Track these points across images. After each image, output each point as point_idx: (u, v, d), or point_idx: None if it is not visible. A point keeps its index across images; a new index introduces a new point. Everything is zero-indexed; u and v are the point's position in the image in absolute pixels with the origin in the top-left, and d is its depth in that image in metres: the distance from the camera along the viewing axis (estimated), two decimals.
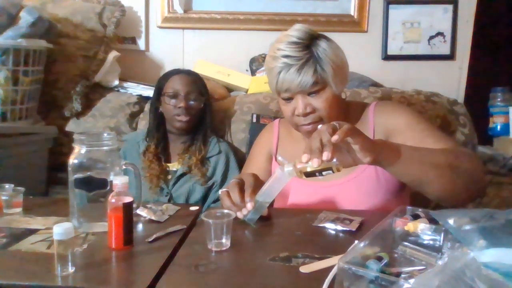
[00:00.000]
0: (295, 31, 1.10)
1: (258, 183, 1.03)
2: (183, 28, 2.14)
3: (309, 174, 0.85)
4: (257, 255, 0.82)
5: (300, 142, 1.24)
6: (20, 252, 0.83)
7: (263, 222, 0.99)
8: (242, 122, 1.74)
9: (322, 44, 1.09)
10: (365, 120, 1.19)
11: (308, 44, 1.09)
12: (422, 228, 0.81)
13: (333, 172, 0.84)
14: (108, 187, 0.94)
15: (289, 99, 1.12)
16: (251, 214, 0.96)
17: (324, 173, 0.84)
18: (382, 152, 0.89)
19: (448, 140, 1.08)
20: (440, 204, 1.07)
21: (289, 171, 0.89)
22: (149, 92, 1.89)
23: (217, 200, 1.52)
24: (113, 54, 1.94)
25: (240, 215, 0.96)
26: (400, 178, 0.98)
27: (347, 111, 1.21)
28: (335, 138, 0.80)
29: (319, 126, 0.86)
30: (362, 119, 1.20)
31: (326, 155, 0.80)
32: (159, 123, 1.61)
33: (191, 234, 0.95)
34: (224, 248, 0.84)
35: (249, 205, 0.94)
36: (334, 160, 0.83)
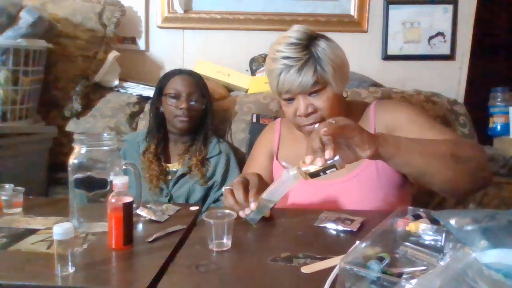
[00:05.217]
0: (294, 32, 1.10)
1: (262, 183, 1.02)
2: (183, 28, 2.15)
3: (314, 175, 0.85)
4: (258, 256, 0.82)
5: (302, 142, 1.24)
6: (20, 252, 0.83)
7: (264, 222, 0.99)
8: (242, 122, 1.74)
9: (321, 44, 1.09)
10: (366, 119, 1.19)
11: (307, 44, 1.09)
12: (423, 229, 0.81)
13: (337, 169, 0.84)
14: (108, 187, 0.93)
15: (291, 100, 1.12)
16: (254, 214, 0.95)
17: (328, 171, 0.84)
18: (381, 145, 0.88)
19: (449, 132, 1.08)
20: (446, 196, 1.07)
21: (294, 175, 0.88)
22: (149, 92, 1.89)
23: (217, 200, 1.52)
24: (113, 54, 1.94)
25: (242, 214, 0.96)
26: (402, 171, 0.97)
27: (348, 111, 1.21)
28: (323, 130, 0.80)
29: (316, 125, 0.86)
30: (363, 118, 1.20)
31: (328, 154, 0.80)
32: (159, 123, 1.60)
33: (191, 234, 0.95)
34: (225, 249, 0.84)
35: (253, 205, 0.94)
36: (337, 157, 0.83)
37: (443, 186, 0.98)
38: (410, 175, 0.98)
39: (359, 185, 1.13)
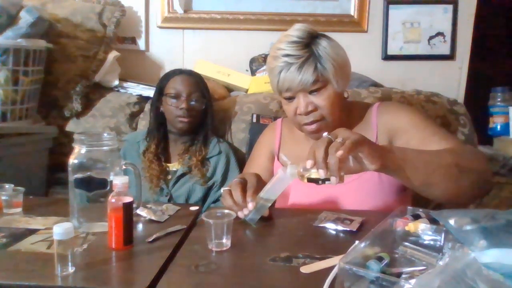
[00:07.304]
0: (295, 31, 1.10)
1: (260, 183, 1.02)
2: (183, 28, 2.15)
3: (312, 180, 0.85)
4: (258, 255, 0.82)
5: (303, 142, 1.24)
6: (20, 252, 0.83)
7: (263, 222, 0.99)
8: (242, 122, 1.74)
9: (322, 42, 1.10)
10: (368, 120, 1.19)
11: (308, 42, 1.09)
12: (422, 228, 0.81)
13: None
14: (108, 187, 0.94)
15: (291, 98, 1.13)
16: (252, 214, 0.95)
17: (327, 182, 0.84)
18: (389, 159, 0.88)
19: (452, 138, 1.08)
20: (445, 204, 1.07)
21: (291, 173, 0.88)
22: (149, 92, 1.89)
23: (217, 200, 1.52)
24: (113, 54, 1.94)
25: (241, 214, 0.96)
26: (407, 184, 0.96)
27: (350, 111, 1.21)
28: (339, 153, 0.79)
29: (324, 134, 0.86)
30: (365, 119, 1.20)
31: (333, 167, 0.80)
32: (159, 123, 1.60)
33: (191, 234, 0.95)
34: (225, 248, 0.84)
35: (251, 205, 0.94)
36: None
37: (445, 197, 0.97)
38: (414, 188, 0.97)
39: (360, 187, 1.13)
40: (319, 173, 0.81)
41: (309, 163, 0.82)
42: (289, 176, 0.89)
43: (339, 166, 0.80)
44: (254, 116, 1.72)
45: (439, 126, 1.14)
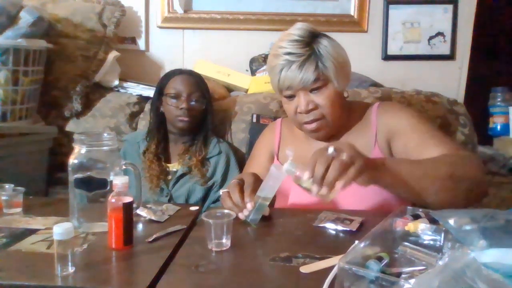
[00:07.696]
0: (297, 30, 1.11)
1: (258, 182, 1.03)
2: (183, 28, 2.15)
3: (305, 188, 0.87)
4: (258, 255, 0.82)
5: (303, 141, 1.24)
6: (20, 252, 0.83)
7: (263, 222, 0.99)
8: (242, 122, 1.74)
9: (323, 41, 1.10)
10: (367, 120, 1.19)
11: (309, 41, 1.10)
12: (422, 228, 0.81)
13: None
14: (108, 187, 0.94)
15: (292, 97, 1.13)
16: (253, 215, 0.95)
17: (317, 195, 0.85)
18: (384, 176, 0.91)
19: (449, 142, 1.08)
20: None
21: (287, 169, 0.89)
22: (149, 92, 1.89)
23: (217, 200, 1.52)
24: (113, 54, 1.94)
25: (241, 215, 0.96)
26: (401, 196, 0.99)
27: (350, 110, 1.21)
28: (340, 185, 0.82)
29: (330, 150, 0.86)
30: (364, 119, 1.20)
31: (325, 190, 0.83)
32: (159, 123, 1.60)
33: (191, 234, 0.95)
34: (224, 248, 0.84)
35: (249, 205, 0.95)
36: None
37: (440, 206, 0.98)
38: (407, 199, 1.00)
39: (360, 187, 1.12)
40: (312, 189, 0.83)
41: (306, 175, 0.83)
42: (284, 172, 0.90)
43: (333, 187, 0.83)
44: (254, 116, 1.72)
45: (438, 129, 1.15)
